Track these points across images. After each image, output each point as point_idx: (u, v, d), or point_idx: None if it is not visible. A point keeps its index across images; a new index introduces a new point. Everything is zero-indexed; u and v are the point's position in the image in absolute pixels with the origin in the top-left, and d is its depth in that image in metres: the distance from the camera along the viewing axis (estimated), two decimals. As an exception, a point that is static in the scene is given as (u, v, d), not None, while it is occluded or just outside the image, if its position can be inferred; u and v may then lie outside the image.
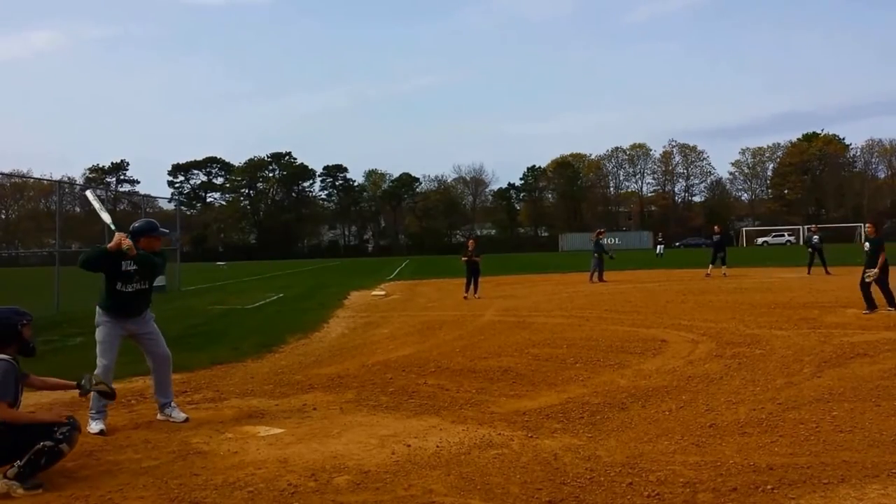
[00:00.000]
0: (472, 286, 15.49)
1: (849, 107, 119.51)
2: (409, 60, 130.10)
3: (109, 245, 4.90)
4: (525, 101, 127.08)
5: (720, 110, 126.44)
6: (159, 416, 5.29)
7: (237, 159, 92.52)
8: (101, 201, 5.49)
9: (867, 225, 11.73)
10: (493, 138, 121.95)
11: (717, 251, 21.50)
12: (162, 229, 5.44)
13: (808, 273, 20.15)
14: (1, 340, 3.99)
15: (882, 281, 10.63)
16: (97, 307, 5.17)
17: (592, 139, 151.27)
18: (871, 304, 10.57)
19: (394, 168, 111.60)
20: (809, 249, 20.85)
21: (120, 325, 5.14)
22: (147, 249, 5.19)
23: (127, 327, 5.18)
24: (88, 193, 5.79)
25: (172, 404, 5.34)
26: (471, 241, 16.99)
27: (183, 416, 5.26)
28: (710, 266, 21.45)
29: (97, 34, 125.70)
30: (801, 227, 71.64)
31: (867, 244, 11.23)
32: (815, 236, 20.89)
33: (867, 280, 10.62)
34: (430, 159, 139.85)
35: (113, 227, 5.18)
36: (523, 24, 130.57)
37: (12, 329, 4.03)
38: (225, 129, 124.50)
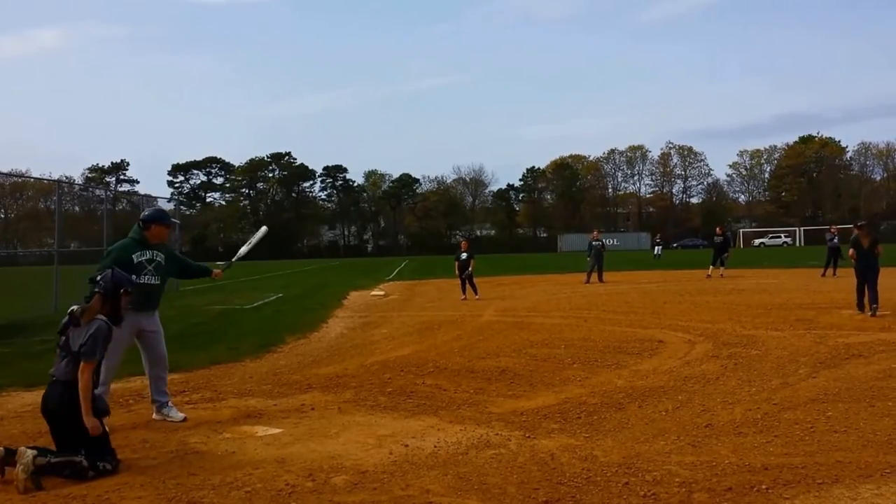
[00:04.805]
0: (467, 288, 15.47)
1: (845, 110, 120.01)
2: (409, 62, 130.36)
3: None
4: (525, 102, 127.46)
5: (718, 112, 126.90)
6: (155, 416, 5.29)
7: (237, 159, 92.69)
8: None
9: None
10: (493, 140, 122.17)
11: (718, 252, 21.40)
12: (172, 219, 5.51)
13: (823, 275, 19.73)
14: (103, 297, 4.23)
15: (872, 280, 10.66)
16: None
17: (591, 140, 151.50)
18: (860, 304, 10.71)
19: (393, 169, 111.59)
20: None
21: (133, 321, 5.08)
22: (154, 239, 5.22)
23: (139, 322, 5.16)
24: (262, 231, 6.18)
25: (170, 404, 5.34)
26: (463, 242, 17.01)
27: (181, 415, 5.26)
28: (711, 267, 21.38)
29: (98, 33, 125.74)
30: (797, 228, 71.89)
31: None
32: (835, 238, 20.60)
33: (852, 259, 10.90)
34: (430, 160, 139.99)
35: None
36: (524, 28, 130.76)
37: (117, 290, 4.27)
38: (225, 129, 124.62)
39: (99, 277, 4.33)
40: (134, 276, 5.02)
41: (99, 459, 3.93)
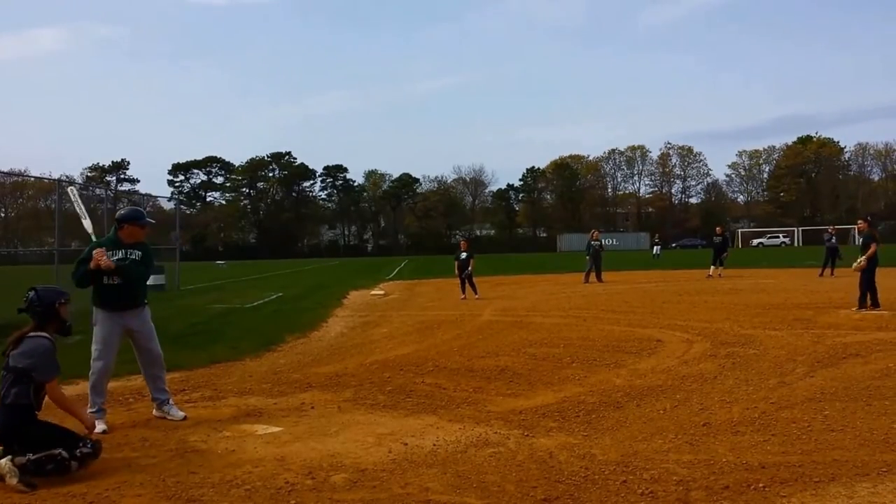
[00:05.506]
0: (466, 287, 15.49)
1: (843, 112, 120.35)
2: (411, 65, 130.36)
3: (91, 265, 4.97)
4: (525, 103, 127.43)
5: (717, 115, 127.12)
6: (155, 413, 5.31)
7: (237, 159, 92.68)
8: (83, 204, 5.58)
9: (859, 221, 12.22)
10: (494, 140, 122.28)
11: (718, 252, 21.38)
12: (147, 219, 5.40)
13: (821, 275, 19.74)
14: (41, 318, 4.24)
15: (868, 278, 10.97)
16: (92, 307, 5.17)
17: (591, 141, 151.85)
18: (863, 303, 10.93)
19: (394, 168, 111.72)
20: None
21: (118, 321, 5.12)
22: (129, 239, 5.21)
23: (125, 322, 5.16)
24: (72, 191, 5.86)
25: (170, 402, 5.36)
26: (463, 242, 17.04)
27: (181, 414, 5.27)
28: (712, 268, 21.36)
29: (100, 34, 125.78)
30: (795, 228, 71.97)
31: (860, 239, 11.74)
32: (833, 238, 20.64)
33: (854, 269, 11.18)
34: (431, 160, 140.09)
35: (94, 236, 5.21)
36: (525, 31, 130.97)
37: (51, 307, 4.27)
38: (225, 129, 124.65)
39: (26, 304, 4.31)
40: (105, 278, 5.05)
41: (74, 447, 3.92)
